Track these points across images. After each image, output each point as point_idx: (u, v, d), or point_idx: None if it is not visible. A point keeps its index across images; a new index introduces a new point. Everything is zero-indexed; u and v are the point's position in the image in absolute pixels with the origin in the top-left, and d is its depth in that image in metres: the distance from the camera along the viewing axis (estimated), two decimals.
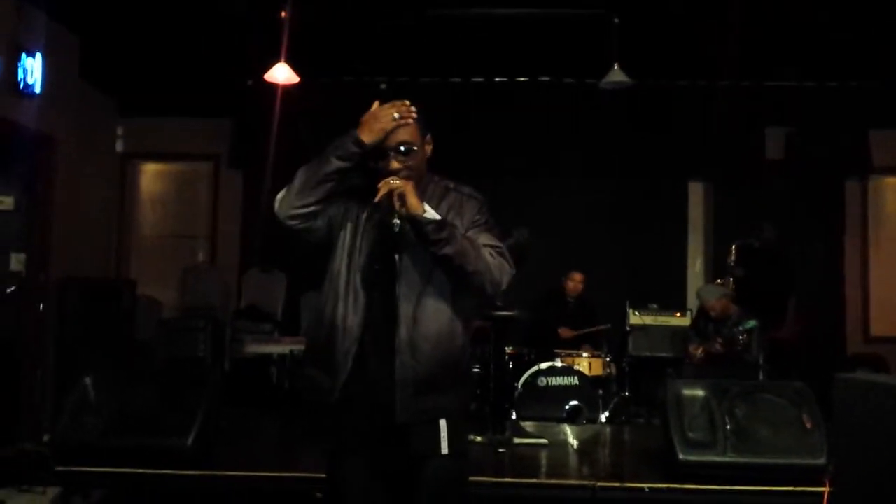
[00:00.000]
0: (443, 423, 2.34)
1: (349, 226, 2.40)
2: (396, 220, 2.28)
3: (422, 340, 2.30)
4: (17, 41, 5.61)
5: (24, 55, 5.64)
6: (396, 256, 2.34)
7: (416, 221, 2.25)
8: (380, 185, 2.27)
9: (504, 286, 2.37)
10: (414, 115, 2.34)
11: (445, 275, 2.32)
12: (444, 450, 2.33)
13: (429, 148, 2.45)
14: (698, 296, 6.39)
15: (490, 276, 2.32)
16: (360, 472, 2.35)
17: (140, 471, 3.69)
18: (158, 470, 3.70)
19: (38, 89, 5.81)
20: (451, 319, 2.36)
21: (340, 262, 2.37)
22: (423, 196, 2.35)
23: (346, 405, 2.33)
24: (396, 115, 2.31)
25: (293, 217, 2.33)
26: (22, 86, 5.64)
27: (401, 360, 2.29)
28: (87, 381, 4.00)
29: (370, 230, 2.38)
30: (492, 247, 2.36)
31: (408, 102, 2.35)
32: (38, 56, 5.80)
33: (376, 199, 2.27)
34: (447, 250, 2.25)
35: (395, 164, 2.33)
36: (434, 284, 2.33)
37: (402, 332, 2.29)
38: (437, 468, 2.33)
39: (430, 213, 2.28)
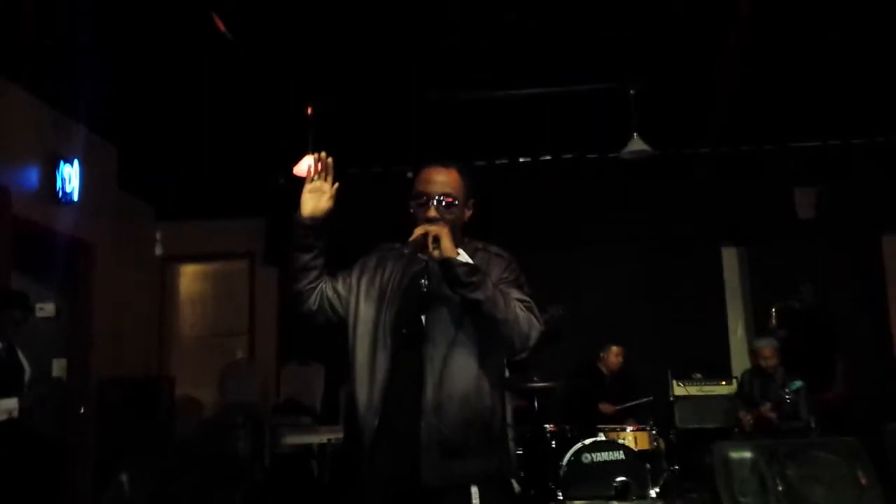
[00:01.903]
0: (475, 490, 2.25)
1: (362, 300, 2.42)
2: (424, 281, 2.30)
3: (447, 401, 2.25)
4: (55, 151, 5.86)
5: (62, 163, 5.87)
6: (423, 317, 2.33)
7: (448, 264, 2.23)
8: (416, 228, 2.28)
9: (533, 341, 2.30)
10: (328, 162, 2.40)
11: (475, 323, 2.28)
12: None
13: (468, 213, 2.47)
14: (751, 345, 6.28)
15: (519, 328, 2.26)
16: None
17: None
18: None
19: (76, 197, 6.03)
20: (478, 377, 2.30)
21: (354, 337, 2.39)
22: None
23: (373, 473, 2.29)
24: (314, 176, 2.39)
25: (295, 302, 2.44)
26: (60, 194, 5.86)
27: (426, 421, 2.24)
28: (123, 477, 3.99)
29: (396, 297, 2.38)
30: (520, 301, 2.32)
31: (323, 154, 2.41)
32: (76, 164, 6.03)
33: (411, 240, 2.27)
34: (478, 295, 2.21)
35: (432, 213, 2.35)
36: (460, 343, 2.30)
37: (428, 392, 2.25)
38: None
39: (464, 257, 2.28)
